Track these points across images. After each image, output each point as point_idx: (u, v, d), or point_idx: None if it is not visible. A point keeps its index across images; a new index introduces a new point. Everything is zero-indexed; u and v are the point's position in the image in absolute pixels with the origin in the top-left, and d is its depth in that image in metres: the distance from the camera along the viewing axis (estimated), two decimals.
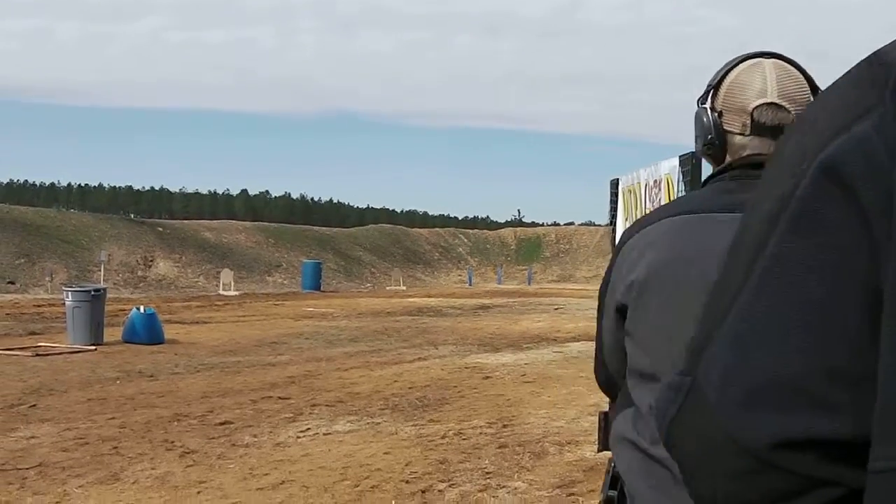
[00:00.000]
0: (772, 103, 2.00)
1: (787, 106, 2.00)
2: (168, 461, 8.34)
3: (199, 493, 7.29)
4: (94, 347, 17.18)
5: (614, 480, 2.09)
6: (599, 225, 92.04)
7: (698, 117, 2.11)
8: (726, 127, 2.07)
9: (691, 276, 1.99)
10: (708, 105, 2.11)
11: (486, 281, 67.78)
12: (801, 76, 2.05)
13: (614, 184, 8.64)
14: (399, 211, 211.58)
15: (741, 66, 2.08)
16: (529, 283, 65.16)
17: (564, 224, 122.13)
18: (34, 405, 10.95)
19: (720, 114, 2.08)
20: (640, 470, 2.03)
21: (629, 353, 2.14)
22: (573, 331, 23.23)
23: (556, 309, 33.39)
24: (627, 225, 7.91)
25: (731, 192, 2.01)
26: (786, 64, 2.06)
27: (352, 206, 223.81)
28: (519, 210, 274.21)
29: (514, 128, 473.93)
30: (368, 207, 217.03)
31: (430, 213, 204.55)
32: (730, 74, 2.09)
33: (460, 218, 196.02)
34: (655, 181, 6.81)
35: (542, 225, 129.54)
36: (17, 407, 10.84)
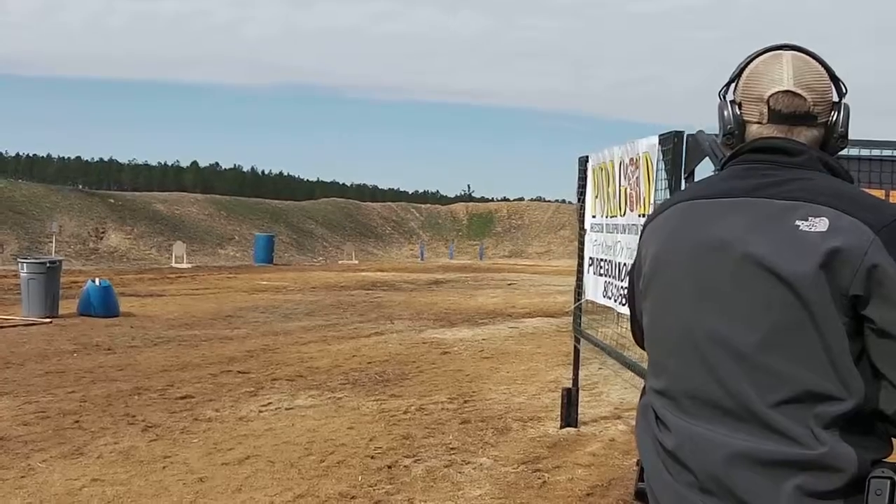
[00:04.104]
0: (787, 91, 2.02)
1: (804, 94, 2.02)
2: (131, 435, 8.31)
3: (164, 467, 7.27)
4: (49, 320, 17.02)
5: (643, 472, 2.12)
6: (550, 201, 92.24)
7: (719, 109, 2.14)
8: (745, 117, 2.09)
9: (675, 266, 2.03)
10: (728, 97, 2.14)
11: (437, 255, 67.78)
12: (819, 67, 2.07)
13: (583, 161, 8.64)
14: (349, 185, 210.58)
15: (761, 57, 2.11)
16: (481, 259, 65.31)
17: (514, 199, 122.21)
18: None
19: (740, 105, 2.10)
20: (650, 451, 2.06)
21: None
22: (527, 306, 23.37)
23: (509, 285, 33.50)
24: (598, 202, 7.98)
25: (735, 177, 2.05)
26: (805, 55, 2.08)
27: (301, 179, 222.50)
28: (469, 185, 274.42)
29: (466, 102, 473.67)
30: (318, 181, 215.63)
31: (381, 187, 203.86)
32: (749, 66, 2.11)
33: (410, 192, 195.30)
34: (632, 159, 6.79)
35: (492, 200, 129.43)
36: None
